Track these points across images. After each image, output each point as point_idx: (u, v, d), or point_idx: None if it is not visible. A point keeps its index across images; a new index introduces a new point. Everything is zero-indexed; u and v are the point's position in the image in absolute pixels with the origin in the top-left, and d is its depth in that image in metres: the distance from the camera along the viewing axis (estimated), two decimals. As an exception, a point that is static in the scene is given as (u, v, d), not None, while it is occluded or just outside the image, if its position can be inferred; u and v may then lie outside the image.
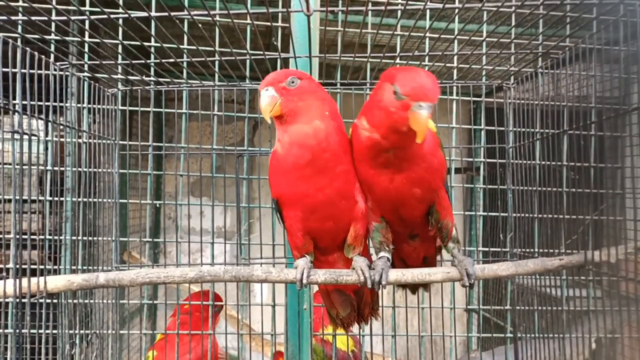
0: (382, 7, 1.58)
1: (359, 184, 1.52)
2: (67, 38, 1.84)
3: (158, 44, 1.88)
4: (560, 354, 2.01)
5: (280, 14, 2.33)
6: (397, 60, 2.27)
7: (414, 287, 1.89)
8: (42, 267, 2.23)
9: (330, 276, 1.52)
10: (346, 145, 1.49)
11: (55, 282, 1.52)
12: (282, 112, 1.44)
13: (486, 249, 2.72)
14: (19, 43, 1.50)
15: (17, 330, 1.46)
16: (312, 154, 1.41)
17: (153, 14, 1.56)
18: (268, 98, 1.43)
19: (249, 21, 2.36)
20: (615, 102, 1.86)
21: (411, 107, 1.24)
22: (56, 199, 2.44)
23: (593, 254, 1.63)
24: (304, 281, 1.49)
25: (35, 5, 1.45)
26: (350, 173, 1.48)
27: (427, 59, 2.18)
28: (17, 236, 1.49)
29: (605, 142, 2.17)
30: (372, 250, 1.68)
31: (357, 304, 1.80)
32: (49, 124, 1.86)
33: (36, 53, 1.59)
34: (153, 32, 1.95)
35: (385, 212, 1.53)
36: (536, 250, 2.16)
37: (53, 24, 1.60)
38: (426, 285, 1.88)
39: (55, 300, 2.31)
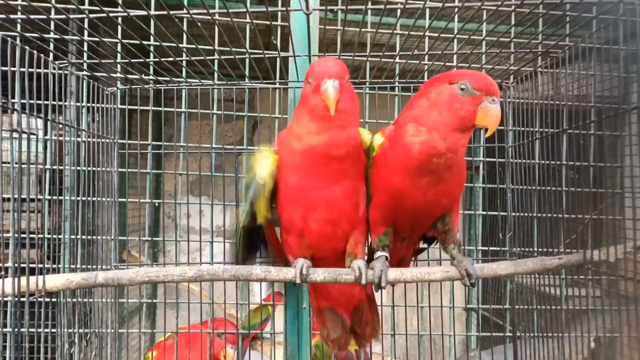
0: (382, 6, 1.58)
1: (380, 198, 1.51)
2: (66, 37, 1.83)
3: (157, 43, 1.87)
4: (560, 353, 2.01)
5: (279, 13, 2.33)
6: (397, 60, 2.27)
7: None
8: (41, 266, 2.23)
9: (330, 275, 1.52)
10: (362, 154, 1.50)
11: (54, 281, 1.52)
12: (337, 109, 1.37)
13: (485, 248, 2.72)
14: (18, 42, 1.50)
15: (16, 329, 1.45)
16: (340, 153, 1.42)
17: (152, 12, 1.55)
18: (336, 91, 1.34)
19: (248, 20, 2.36)
20: (615, 101, 1.86)
21: (483, 101, 1.30)
22: (55, 197, 2.44)
23: (592, 253, 1.63)
24: (304, 272, 1.49)
25: (34, 3, 1.45)
26: (360, 179, 1.49)
27: (426, 58, 2.18)
28: (16, 235, 1.49)
29: (605, 141, 2.17)
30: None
31: (357, 324, 1.78)
32: (48, 122, 1.85)
33: (35, 52, 1.59)
34: (152, 31, 1.94)
35: (400, 220, 1.52)
36: (535, 249, 2.16)
37: (52, 23, 1.59)
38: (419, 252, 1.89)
39: (54, 299, 2.31)
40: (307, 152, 1.43)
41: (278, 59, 2.18)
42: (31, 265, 1.50)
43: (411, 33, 1.82)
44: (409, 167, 1.37)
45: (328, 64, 1.41)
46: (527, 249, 2.16)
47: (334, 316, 1.76)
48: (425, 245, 1.82)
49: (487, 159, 2.63)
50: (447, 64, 2.18)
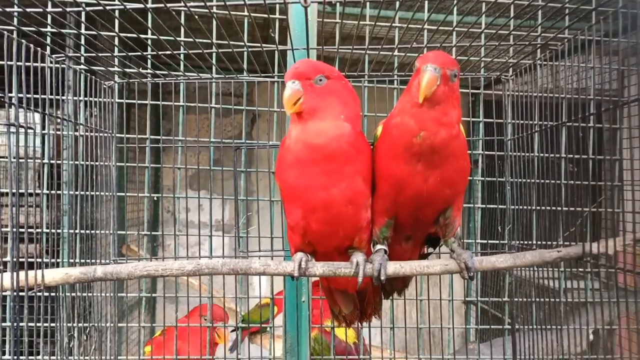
0: (380, -1, 1.57)
1: (382, 187, 1.49)
2: (63, 30, 1.83)
3: (155, 37, 1.87)
4: (558, 345, 2.02)
5: (277, 6, 2.32)
6: (395, 53, 2.26)
7: (388, 293, 1.89)
8: (40, 260, 2.22)
9: (329, 269, 1.52)
10: (361, 152, 1.46)
11: (52, 275, 1.52)
12: (301, 109, 1.42)
13: (484, 241, 2.73)
14: (14, 35, 1.49)
15: (15, 324, 1.45)
16: (322, 153, 1.39)
17: (149, 5, 1.54)
18: (292, 91, 1.40)
19: (246, 13, 2.35)
20: (614, 94, 1.86)
21: (420, 71, 1.32)
22: (54, 192, 2.43)
23: (591, 246, 1.64)
24: (303, 266, 1.49)
25: (30, -3, 1.44)
26: (361, 181, 1.46)
27: (425, 51, 2.17)
28: (15, 229, 1.48)
29: (604, 134, 2.17)
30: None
31: (360, 303, 1.79)
32: (46, 117, 1.85)
33: (32, 45, 1.58)
34: (150, 24, 1.94)
35: (403, 212, 1.51)
36: (534, 242, 2.16)
37: (49, 16, 1.59)
38: (401, 292, 1.89)
39: (53, 294, 2.31)
40: (291, 146, 1.44)
41: (276, 53, 2.17)
42: (30, 260, 1.50)
43: (410, 26, 1.81)
44: (397, 150, 1.40)
45: (295, 66, 1.46)
46: (526, 242, 2.16)
47: (345, 294, 1.77)
48: (431, 250, 1.83)
49: (486, 152, 2.63)
50: (446, 57, 2.17)
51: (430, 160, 1.38)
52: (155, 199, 4.88)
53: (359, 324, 1.92)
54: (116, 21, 1.85)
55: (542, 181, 2.09)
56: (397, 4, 2.11)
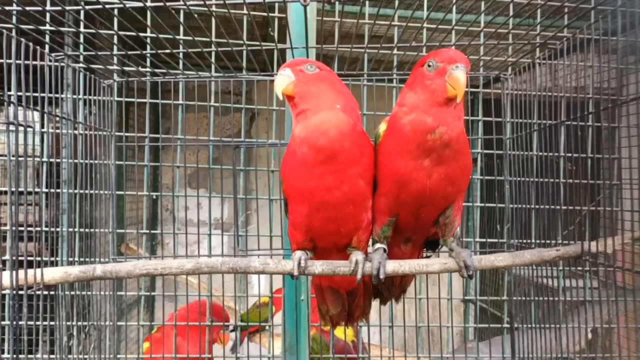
0: (380, -3, 1.57)
1: (385, 185, 1.48)
2: (62, 29, 1.82)
3: (154, 35, 1.86)
4: (557, 344, 2.02)
5: (277, 4, 2.32)
6: (395, 51, 2.26)
7: (386, 299, 1.89)
8: (39, 259, 2.22)
9: (328, 267, 1.52)
10: (363, 152, 1.45)
11: (52, 274, 1.52)
12: (293, 93, 1.44)
13: (483, 240, 2.73)
14: (13, 34, 1.49)
15: (15, 322, 1.45)
16: (324, 153, 1.38)
17: (148, 4, 1.54)
18: (282, 77, 1.44)
19: (245, 12, 2.35)
20: (613, 92, 1.86)
21: (447, 71, 1.33)
22: (53, 190, 2.43)
23: (589, 245, 1.64)
24: (302, 265, 1.49)
25: (29, -5, 1.44)
26: (362, 181, 1.45)
27: (424, 49, 2.17)
28: (14, 228, 1.48)
29: (603, 133, 2.17)
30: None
31: (349, 305, 1.79)
32: (45, 115, 1.84)
33: (31, 44, 1.58)
34: (149, 23, 1.93)
35: (405, 210, 1.51)
36: (533, 241, 2.16)
37: (48, 15, 1.58)
38: (398, 298, 1.90)
39: (52, 292, 2.31)
40: (296, 148, 1.43)
41: (275, 51, 2.17)
42: (29, 258, 1.50)
43: (409, 24, 1.81)
44: (408, 147, 1.39)
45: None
46: (524, 241, 2.17)
47: (336, 294, 1.77)
48: (430, 254, 1.83)
49: (485, 151, 2.63)
50: (445, 55, 2.17)
51: (439, 156, 1.38)
52: (154, 197, 4.87)
53: (347, 328, 1.91)
54: (115, 20, 1.85)
55: (541, 180, 2.09)
56: (397, 2, 2.12)
